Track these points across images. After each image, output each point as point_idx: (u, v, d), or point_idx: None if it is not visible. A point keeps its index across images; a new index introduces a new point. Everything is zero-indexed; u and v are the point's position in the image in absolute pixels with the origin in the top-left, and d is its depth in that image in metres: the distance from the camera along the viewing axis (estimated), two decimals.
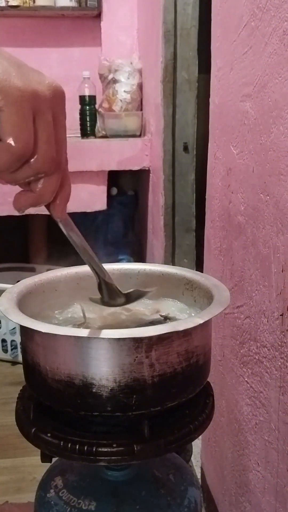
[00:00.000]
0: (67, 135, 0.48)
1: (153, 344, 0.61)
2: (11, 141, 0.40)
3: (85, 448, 0.63)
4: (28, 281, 0.78)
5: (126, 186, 2.72)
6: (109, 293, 0.66)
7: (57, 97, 0.44)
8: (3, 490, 1.44)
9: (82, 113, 2.33)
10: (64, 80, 2.81)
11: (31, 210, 0.51)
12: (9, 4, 2.35)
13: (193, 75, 1.92)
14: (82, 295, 0.80)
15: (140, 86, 2.34)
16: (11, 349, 2.14)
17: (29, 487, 1.43)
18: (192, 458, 1.33)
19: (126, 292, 0.70)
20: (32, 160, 0.42)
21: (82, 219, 2.56)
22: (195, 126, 1.96)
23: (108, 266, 0.87)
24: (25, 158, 0.42)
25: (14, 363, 2.15)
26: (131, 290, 0.72)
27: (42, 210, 0.52)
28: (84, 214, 2.37)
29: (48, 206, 0.49)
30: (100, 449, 0.63)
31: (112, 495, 0.75)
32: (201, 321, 0.62)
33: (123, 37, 2.52)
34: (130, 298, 0.69)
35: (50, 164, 0.43)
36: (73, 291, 0.82)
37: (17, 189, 0.48)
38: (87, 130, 2.34)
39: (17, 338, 2.11)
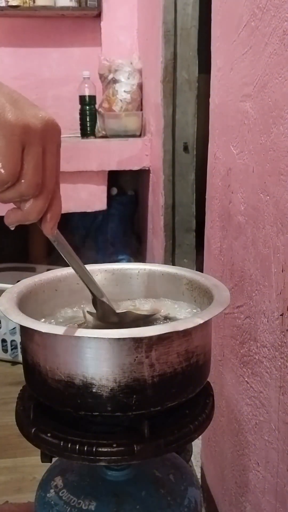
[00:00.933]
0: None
1: (153, 344, 0.61)
2: None
3: (85, 448, 0.63)
4: (28, 281, 0.78)
5: (126, 186, 2.72)
6: (103, 311, 0.69)
7: (49, 129, 0.49)
8: (3, 490, 1.44)
9: (82, 113, 2.33)
10: (64, 80, 2.83)
11: None
12: (9, 4, 2.35)
13: (193, 75, 1.92)
14: (82, 295, 0.80)
15: (140, 86, 2.34)
16: (11, 349, 2.14)
17: (29, 487, 1.43)
18: (192, 458, 1.33)
19: (120, 312, 0.72)
20: (17, 185, 0.47)
21: (82, 219, 2.57)
22: (195, 126, 1.95)
23: (108, 266, 0.88)
24: (10, 183, 0.47)
25: (14, 363, 2.15)
26: (126, 311, 0.74)
27: None
28: (84, 214, 2.37)
29: (39, 224, 0.53)
30: (100, 449, 0.63)
31: (112, 495, 0.75)
32: (201, 321, 0.62)
33: (123, 37, 2.52)
34: (124, 319, 0.72)
35: (34, 189, 0.48)
36: (73, 291, 0.82)
37: None
38: (87, 130, 2.34)
39: (17, 338, 2.11)
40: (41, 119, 0.48)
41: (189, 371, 0.66)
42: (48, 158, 0.49)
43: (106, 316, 0.70)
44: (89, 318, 0.76)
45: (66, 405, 0.64)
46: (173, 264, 2.02)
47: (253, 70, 0.87)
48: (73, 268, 0.62)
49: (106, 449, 0.63)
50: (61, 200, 0.53)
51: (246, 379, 0.99)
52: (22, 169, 0.47)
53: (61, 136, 0.52)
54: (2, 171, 0.45)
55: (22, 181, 0.47)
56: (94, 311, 0.71)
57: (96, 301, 0.68)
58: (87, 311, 0.74)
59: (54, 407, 0.67)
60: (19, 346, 2.12)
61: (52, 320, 0.78)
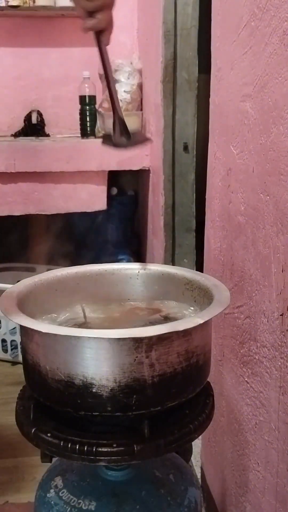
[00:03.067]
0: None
1: (153, 344, 0.61)
2: None
3: (85, 448, 0.63)
4: (28, 281, 0.79)
5: (126, 186, 2.72)
6: (120, 129, 0.80)
7: None
8: (3, 490, 1.44)
9: (82, 113, 2.33)
10: (64, 80, 2.83)
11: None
12: (9, 4, 2.35)
13: (193, 75, 1.92)
14: (82, 295, 0.80)
15: (140, 86, 2.34)
16: (11, 349, 2.14)
17: (29, 487, 1.42)
18: (192, 458, 1.33)
19: (132, 132, 0.81)
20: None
21: (82, 219, 2.56)
22: (195, 126, 1.95)
23: (108, 266, 0.88)
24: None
25: (14, 363, 2.15)
26: (135, 132, 0.84)
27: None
28: (84, 214, 2.37)
29: (98, 39, 0.81)
30: (100, 449, 0.63)
31: (112, 495, 0.75)
32: (201, 321, 0.62)
33: (123, 37, 2.52)
34: (134, 139, 0.83)
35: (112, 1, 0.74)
36: (73, 291, 0.82)
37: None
38: (87, 130, 2.34)
39: (17, 338, 2.11)
40: None
41: (189, 371, 0.66)
42: None
43: (121, 136, 0.80)
44: (91, 315, 0.76)
45: (66, 405, 0.64)
46: (173, 264, 2.02)
47: (253, 70, 0.87)
48: (107, 81, 0.78)
49: (106, 449, 0.63)
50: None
51: (246, 379, 0.99)
52: None
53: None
54: None
55: None
56: (93, 309, 0.71)
57: (115, 120, 0.79)
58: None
59: (54, 407, 0.67)
60: (19, 346, 2.12)
61: (53, 320, 0.78)
